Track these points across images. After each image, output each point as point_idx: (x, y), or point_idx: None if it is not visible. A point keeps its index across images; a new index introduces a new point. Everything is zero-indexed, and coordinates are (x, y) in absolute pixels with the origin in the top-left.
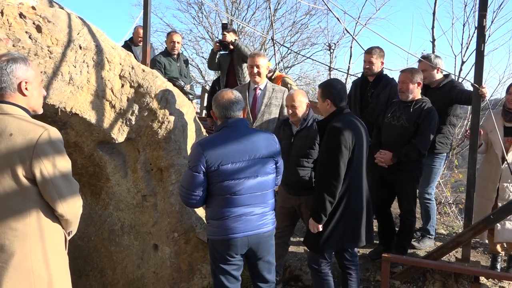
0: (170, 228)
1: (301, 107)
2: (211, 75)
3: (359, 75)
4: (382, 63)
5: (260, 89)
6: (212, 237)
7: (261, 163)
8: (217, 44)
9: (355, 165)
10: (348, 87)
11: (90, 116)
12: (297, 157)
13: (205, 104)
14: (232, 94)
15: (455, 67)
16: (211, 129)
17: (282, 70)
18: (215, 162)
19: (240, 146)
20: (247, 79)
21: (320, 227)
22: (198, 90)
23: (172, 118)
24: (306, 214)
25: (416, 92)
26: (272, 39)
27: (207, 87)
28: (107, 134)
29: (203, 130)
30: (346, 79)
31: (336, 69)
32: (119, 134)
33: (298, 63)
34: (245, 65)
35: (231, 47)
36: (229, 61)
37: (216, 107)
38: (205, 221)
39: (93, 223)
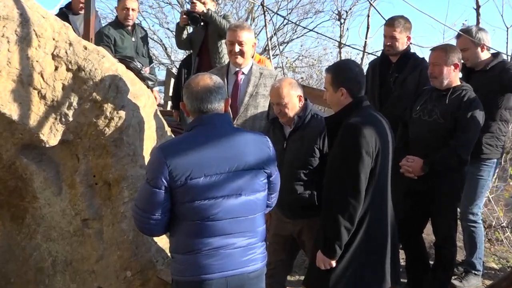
0: (121, 264)
1: (292, 103)
2: (181, 54)
3: (379, 54)
4: (409, 38)
5: (243, 73)
6: (178, 277)
7: (248, 176)
8: (184, 16)
9: (379, 178)
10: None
11: (11, 110)
12: (293, 167)
13: (171, 93)
14: (210, 79)
15: (507, 43)
16: (180, 127)
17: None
18: (183, 174)
19: (218, 152)
20: (226, 60)
21: (333, 263)
22: (161, 74)
23: (124, 113)
24: (309, 244)
25: (453, 77)
26: (262, 5)
27: (174, 71)
28: (35, 134)
29: (168, 129)
30: (361, 59)
31: (349, 46)
32: (51, 135)
33: (297, 38)
34: (224, 42)
35: (203, 19)
36: (202, 36)
37: (188, 97)
38: (169, 255)
39: (14, 259)
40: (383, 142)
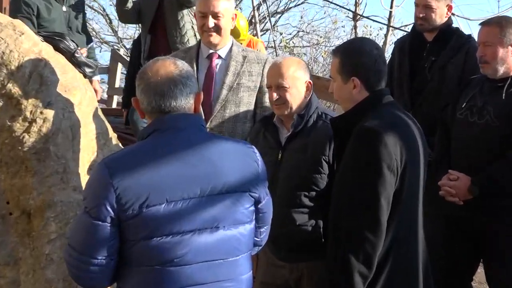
0: None
1: (297, 89)
2: (132, 29)
3: (408, 30)
4: (450, 7)
5: (219, 57)
6: None
7: (228, 202)
8: None
9: (407, 203)
10: (387, 54)
11: None
12: (291, 188)
13: (117, 84)
14: (174, 66)
15: None
16: (131, 133)
17: (262, 21)
18: (136, 199)
19: (185, 169)
20: (191, 39)
21: None
22: (104, 58)
23: (50, 114)
24: None
25: (511, 62)
26: None
27: (122, 52)
28: None
29: (114, 135)
30: (384, 37)
31: (367, 18)
32: None
33: (296, 6)
34: (187, 13)
35: None
36: (156, 5)
37: (143, 91)
38: None
39: None
40: (412, 153)
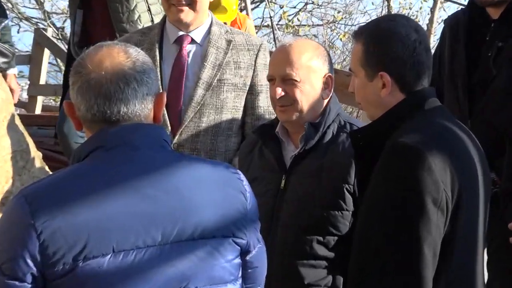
0: None
1: (310, 85)
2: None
3: (465, 3)
4: None
5: (194, 41)
6: None
7: (202, 251)
8: None
9: (461, 252)
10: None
11: None
12: (298, 230)
13: (43, 79)
14: (125, 54)
15: None
16: (61, 152)
17: None
18: (68, 248)
19: (140, 205)
20: (143, 16)
21: None
22: (24, 40)
23: None
24: None
25: None
26: None
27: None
28: None
29: (37, 155)
30: (430, 12)
31: None
32: None
33: None
34: None
35: None
36: None
37: (80, 91)
38: None
39: None
40: (469, 181)
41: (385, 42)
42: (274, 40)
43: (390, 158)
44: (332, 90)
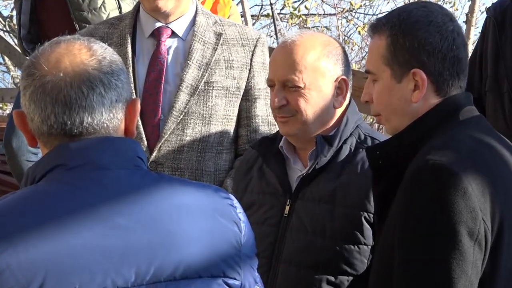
0: None
1: (318, 91)
2: None
3: None
4: None
5: (175, 34)
6: None
7: None
8: None
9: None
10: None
11: None
12: (305, 268)
13: None
14: (89, 51)
15: None
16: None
17: None
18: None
19: (109, 238)
20: (108, 3)
21: None
22: None
23: None
24: None
25: None
26: None
27: None
28: None
29: None
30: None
31: None
32: None
33: None
34: None
35: None
36: None
37: (33, 97)
38: None
39: None
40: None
41: (419, 31)
42: (276, 34)
43: (416, 181)
44: (349, 97)
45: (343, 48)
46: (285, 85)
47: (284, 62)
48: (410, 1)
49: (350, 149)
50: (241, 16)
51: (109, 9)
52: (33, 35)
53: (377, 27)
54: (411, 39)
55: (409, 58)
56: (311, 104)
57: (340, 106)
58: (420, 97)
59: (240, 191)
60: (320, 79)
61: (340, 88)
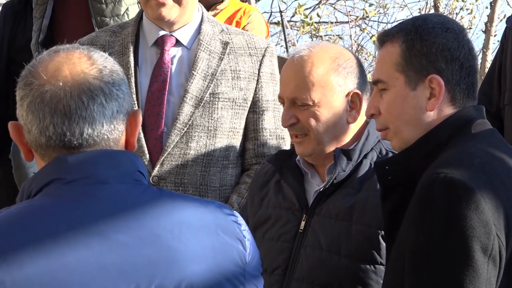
0: None
1: (330, 108)
2: None
3: None
4: None
5: (179, 43)
6: None
7: None
8: None
9: None
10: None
11: None
12: (319, 285)
13: None
14: (89, 60)
15: None
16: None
17: None
18: None
19: (109, 255)
20: (132, 9)
21: None
22: None
23: None
24: None
25: None
26: None
27: None
28: None
29: None
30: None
31: None
32: None
33: None
34: None
35: None
36: None
37: (31, 107)
38: None
39: None
40: None
41: (437, 37)
42: (286, 43)
43: (426, 195)
44: (361, 109)
45: (357, 59)
46: (295, 103)
47: (292, 78)
48: (428, 8)
49: (371, 164)
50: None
51: (133, 16)
52: (47, 39)
53: (389, 35)
54: (429, 44)
55: (426, 64)
56: (322, 121)
57: (354, 121)
58: (436, 105)
59: (256, 204)
60: (329, 95)
61: (353, 102)
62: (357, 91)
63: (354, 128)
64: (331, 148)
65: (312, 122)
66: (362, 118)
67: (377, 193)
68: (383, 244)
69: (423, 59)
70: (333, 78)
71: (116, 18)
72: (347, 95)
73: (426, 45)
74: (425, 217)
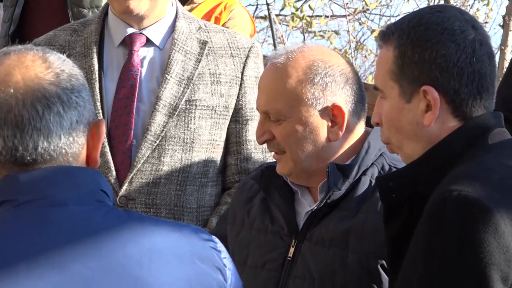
0: None
1: (303, 123)
2: None
3: None
4: None
5: (150, 43)
6: None
7: None
8: None
9: None
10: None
11: None
12: None
13: None
14: (44, 63)
15: None
16: None
17: None
18: None
19: (65, 283)
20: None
21: None
22: None
23: None
24: None
25: None
26: None
27: None
28: None
29: None
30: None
31: None
32: None
33: None
34: None
35: None
36: None
37: None
38: None
39: None
40: None
41: (430, 41)
42: (274, 40)
43: (438, 216)
44: (362, 121)
45: (348, 66)
46: (266, 116)
47: (264, 89)
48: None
49: (371, 181)
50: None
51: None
52: (19, 32)
53: (386, 35)
54: (420, 51)
55: (418, 74)
56: (297, 139)
57: (337, 138)
58: (433, 119)
59: (238, 223)
60: (304, 109)
61: (335, 117)
62: (339, 104)
63: (342, 145)
64: (312, 167)
65: (286, 139)
66: (357, 132)
67: (377, 216)
68: (385, 275)
69: (415, 68)
70: (308, 89)
71: (95, 9)
72: (326, 108)
73: (418, 51)
74: (436, 241)
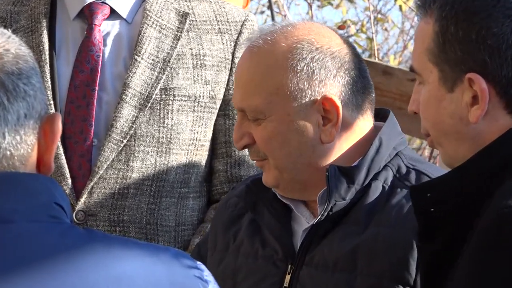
0: None
1: (286, 123)
2: None
3: None
4: None
5: (115, 14)
6: None
7: None
8: None
9: None
10: None
11: None
12: None
13: None
14: None
15: None
16: None
17: None
18: None
19: None
20: None
21: None
22: None
23: None
24: None
25: None
26: None
27: None
28: None
29: None
30: None
31: None
32: None
33: None
34: None
35: None
36: None
37: None
38: None
39: None
40: None
41: (479, 15)
42: (271, 10)
43: (494, 238)
44: (366, 116)
45: (346, 45)
46: (243, 115)
47: (239, 81)
48: None
49: (383, 187)
50: None
51: None
52: None
53: (425, 3)
54: (466, 27)
55: (462, 57)
56: (279, 142)
57: (331, 139)
58: (480, 115)
59: (221, 249)
60: (287, 105)
61: (327, 113)
62: (331, 96)
63: (341, 146)
64: (304, 176)
65: (267, 142)
66: (360, 128)
67: (391, 231)
68: None
69: (458, 48)
70: (289, 79)
71: None
72: (314, 103)
73: (463, 28)
74: (493, 269)
